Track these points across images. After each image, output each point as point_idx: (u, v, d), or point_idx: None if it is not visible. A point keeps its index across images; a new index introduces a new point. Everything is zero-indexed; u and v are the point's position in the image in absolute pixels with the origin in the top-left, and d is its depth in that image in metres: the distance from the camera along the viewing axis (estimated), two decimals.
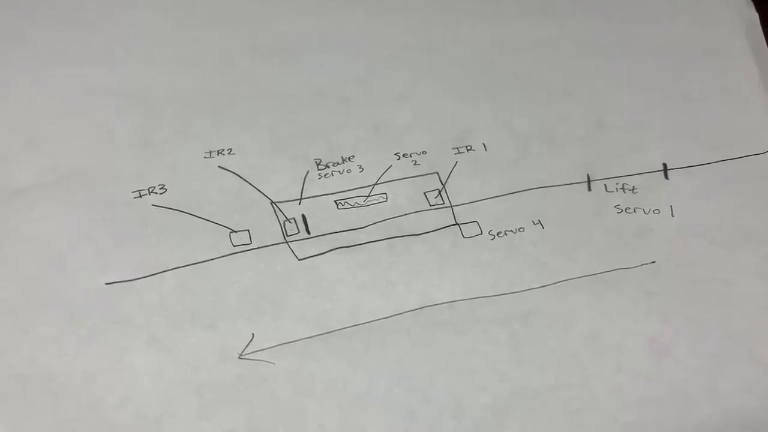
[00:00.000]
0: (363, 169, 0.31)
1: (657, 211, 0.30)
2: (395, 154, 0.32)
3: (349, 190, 0.31)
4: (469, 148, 0.32)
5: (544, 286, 0.27)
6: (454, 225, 0.29)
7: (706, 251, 0.28)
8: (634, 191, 0.30)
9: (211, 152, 0.32)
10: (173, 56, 0.36)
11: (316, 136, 0.32)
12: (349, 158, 0.32)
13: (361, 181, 0.31)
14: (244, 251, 0.28)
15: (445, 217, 0.30)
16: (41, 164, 0.31)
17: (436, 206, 0.30)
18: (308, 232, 0.29)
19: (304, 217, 0.29)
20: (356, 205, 0.30)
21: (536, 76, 0.35)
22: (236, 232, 0.29)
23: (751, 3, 0.37)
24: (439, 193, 0.30)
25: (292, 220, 0.29)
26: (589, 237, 0.29)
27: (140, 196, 0.30)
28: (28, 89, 0.34)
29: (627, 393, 0.25)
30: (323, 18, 0.38)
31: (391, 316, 0.27)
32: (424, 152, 0.32)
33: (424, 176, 0.31)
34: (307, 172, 0.31)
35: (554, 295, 0.27)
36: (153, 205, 0.30)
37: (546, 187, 0.30)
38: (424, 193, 0.30)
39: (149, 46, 0.36)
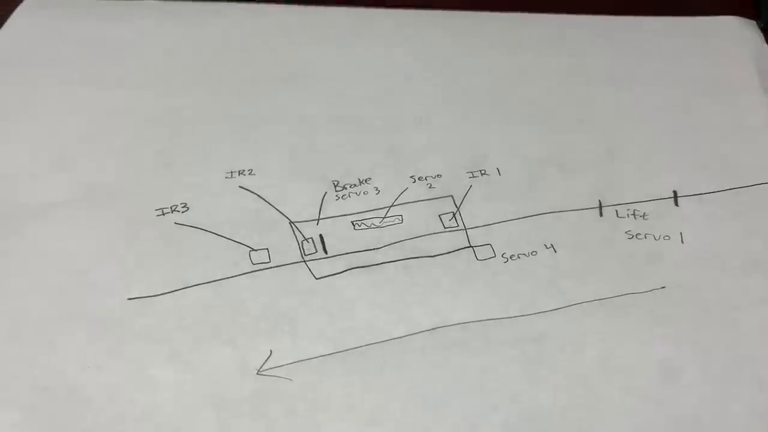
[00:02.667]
0: (379, 191, 0.32)
1: (667, 238, 0.30)
2: (411, 177, 0.33)
3: (366, 211, 0.31)
4: (483, 172, 0.33)
5: (555, 309, 0.28)
6: (468, 247, 0.30)
7: (716, 278, 0.29)
8: (645, 217, 0.31)
9: (232, 173, 0.33)
10: (196, 80, 0.37)
11: (334, 158, 0.33)
12: (366, 180, 0.32)
13: (378, 203, 0.32)
14: (264, 269, 0.29)
15: (459, 239, 0.30)
16: (67, 182, 0.32)
17: (451, 229, 0.31)
18: (326, 252, 0.30)
19: (321, 237, 0.30)
20: (372, 226, 0.31)
21: (549, 104, 0.36)
22: (256, 250, 0.30)
23: (762, 36, 0.38)
24: (454, 215, 0.31)
25: (310, 240, 0.30)
26: (601, 262, 0.29)
27: (163, 215, 0.31)
28: (56, 110, 0.35)
29: (636, 416, 0.25)
30: (343, 46, 0.39)
31: (406, 335, 0.27)
32: (439, 175, 0.33)
33: (439, 199, 0.32)
34: (325, 193, 0.32)
35: (566, 319, 0.27)
36: (175, 223, 0.31)
37: (558, 212, 0.31)
38: (439, 216, 0.31)
39: (172, 69, 0.38)
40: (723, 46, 0.38)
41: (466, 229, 0.30)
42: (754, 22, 0.39)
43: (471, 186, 0.32)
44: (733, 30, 0.39)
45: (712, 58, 0.37)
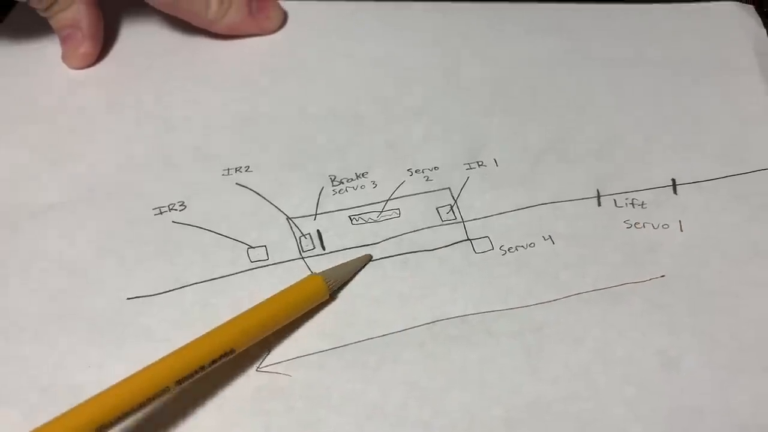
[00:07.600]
0: (376, 185, 0.32)
1: (666, 226, 0.30)
2: (408, 170, 0.32)
3: (363, 205, 0.31)
4: (480, 163, 0.33)
5: (554, 300, 0.28)
6: (465, 240, 0.30)
7: (716, 265, 0.28)
8: (644, 206, 0.31)
9: (229, 170, 0.33)
10: (192, 76, 0.37)
11: (330, 153, 0.33)
12: (362, 174, 0.32)
13: (375, 197, 0.31)
14: (262, 267, 0.29)
15: (457, 232, 0.30)
16: (65, 183, 0.32)
17: (448, 222, 0.30)
18: (323, 248, 0.30)
19: (319, 232, 0.30)
20: (370, 220, 0.31)
21: (547, 92, 0.35)
22: (254, 248, 0.30)
23: (761, 21, 0.38)
24: (451, 208, 0.31)
25: (308, 236, 0.30)
26: (599, 252, 0.29)
27: (160, 213, 0.31)
28: (52, 109, 0.35)
29: (637, 405, 0.25)
30: (339, 38, 0.38)
31: (405, 329, 0.27)
32: (436, 168, 0.32)
33: (436, 192, 0.32)
34: (322, 188, 0.32)
35: (565, 309, 0.27)
36: (173, 221, 0.31)
37: (556, 202, 0.31)
38: (437, 209, 0.31)
39: (169, 65, 0.37)
40: (721, 32, 0.37)
41: (463, 222, 0.30)
42: (752, 7, 0.38)
43: (468, 178, 0.32)
44: (731, 15, 0.38)
45: (710, 44, 0.37)
